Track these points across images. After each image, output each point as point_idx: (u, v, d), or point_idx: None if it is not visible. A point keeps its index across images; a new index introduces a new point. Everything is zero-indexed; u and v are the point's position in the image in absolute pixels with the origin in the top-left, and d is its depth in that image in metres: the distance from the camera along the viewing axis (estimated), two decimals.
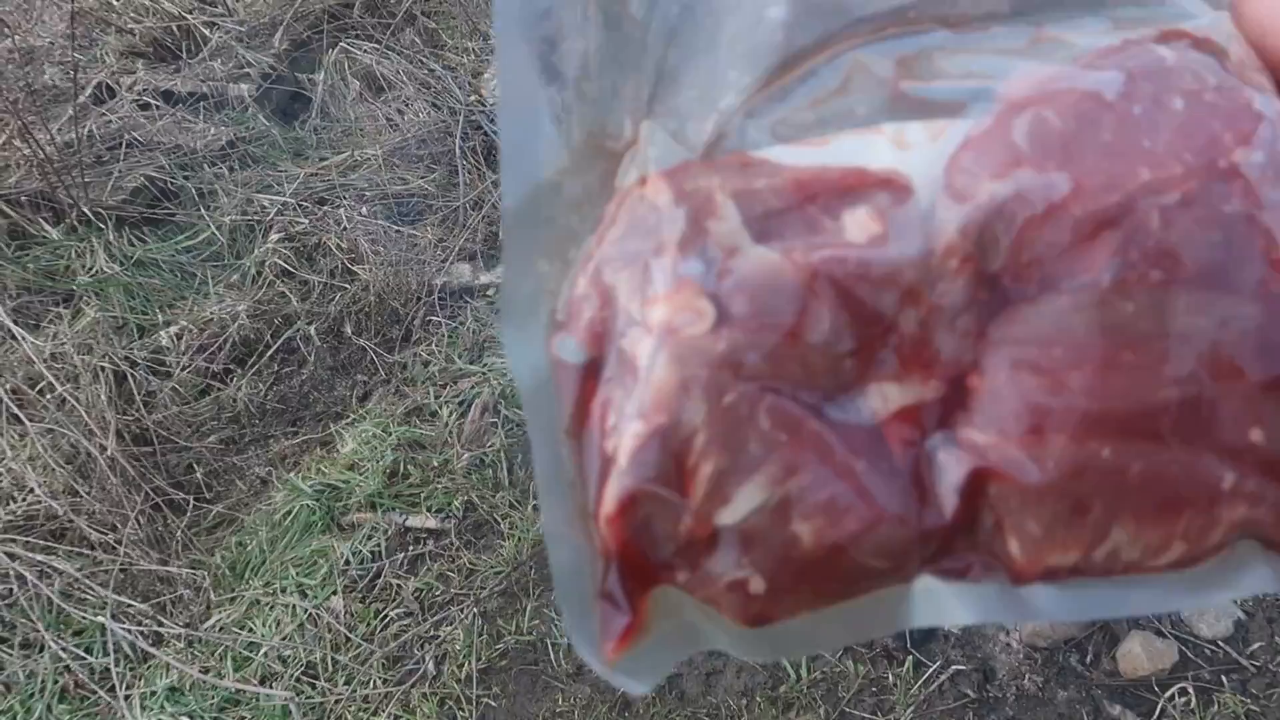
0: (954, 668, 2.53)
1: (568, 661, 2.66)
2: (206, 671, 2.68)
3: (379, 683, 2.65)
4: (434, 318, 3.66)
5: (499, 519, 3.02)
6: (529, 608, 2.79)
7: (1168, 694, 2.42)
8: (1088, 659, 2.53)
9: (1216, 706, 2.39)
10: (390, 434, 3.24)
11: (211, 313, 3.61)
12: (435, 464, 3.17)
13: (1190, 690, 2.42)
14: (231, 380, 3.48)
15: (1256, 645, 2.50)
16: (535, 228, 0.61)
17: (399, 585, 2.88)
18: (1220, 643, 2.51)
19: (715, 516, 0.50)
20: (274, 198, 4.07)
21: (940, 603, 0.54)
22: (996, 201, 0.53)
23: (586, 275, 0.56)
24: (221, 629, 2.79)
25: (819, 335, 0.52)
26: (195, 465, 3.22)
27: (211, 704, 2.61)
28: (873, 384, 0.53)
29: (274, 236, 3.87)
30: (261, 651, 2.71)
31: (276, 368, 3.55)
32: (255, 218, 4.01)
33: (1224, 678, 2.44)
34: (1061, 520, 0.51)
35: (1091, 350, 0.51)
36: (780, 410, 0.51)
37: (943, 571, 0.54)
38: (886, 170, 0.54)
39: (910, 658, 2.56)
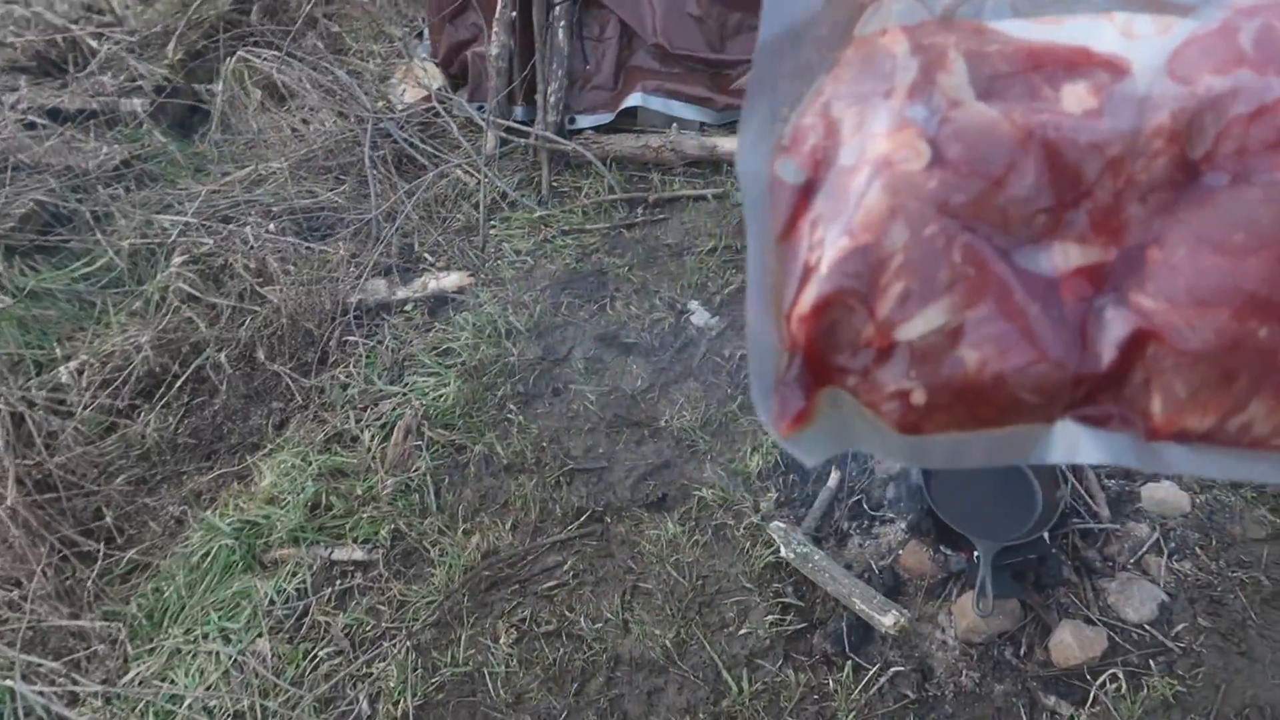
0: (893, 669, 2.54)
1: (506, 691, 2.61)
2: None
3: None
4: (350, 338, 3.55)
5: (428, 546, 2.94)
6: (464, 637, 2.72)
7: (1099, 681, 2.47)
8: (1021, 651, 2.56)
9: (1145, 690, 2.44)
10: (310, 464, 3.13)
11: (114, 344, 3.45)
12: (359, 492, 3.07)
13: (1120, 675, 2.47)
14: (139, 415, 3.33)
15: (1180, 626, 2.55)
16: (780, 61, 0.67)
17: (327, 623, 2.79)
18: (1147, 626, 2.56)
19: (895, 331, 0.61)
20: (175, 218, 3.90)
21: (1076, 443, 0.64)
22: (1212, 94, 0.59)
23: (815, 108, 0.67)
24: (141, 683, 2.67)
25: (1021, 189, 0.60)
26: (104, 509, 3.07)
27: None
28: (1059, 241, 0.62)
29: (177, 259, 3.71)
30: (185, 704, 2.60)
31: (186, 399, 3.40)
32: (156, 240, 3.83)
33: (1151, 661, 2.50)
34: (1207, 386, 0.59)
35: (1271, 240, 0.57)
36: (972, 249, 0.60)
37: (1083, 417, 0.64)
38: (1111, 54, 0.62)
39: (850, 662, 2.56)
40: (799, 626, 2.66)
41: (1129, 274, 0.61)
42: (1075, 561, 2.69)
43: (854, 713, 2.48)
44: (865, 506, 2.88)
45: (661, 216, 3.97)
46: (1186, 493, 2.80)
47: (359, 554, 2.94)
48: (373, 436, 3.22)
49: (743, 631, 2.67)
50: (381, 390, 3.38)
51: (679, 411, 3.23)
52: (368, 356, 3.49)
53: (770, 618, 2.67)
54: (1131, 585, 2.61)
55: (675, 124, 4.18)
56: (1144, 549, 2.69)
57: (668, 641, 2.66)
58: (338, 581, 2.90)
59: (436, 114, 4.34)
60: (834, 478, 2.92)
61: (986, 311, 0.61)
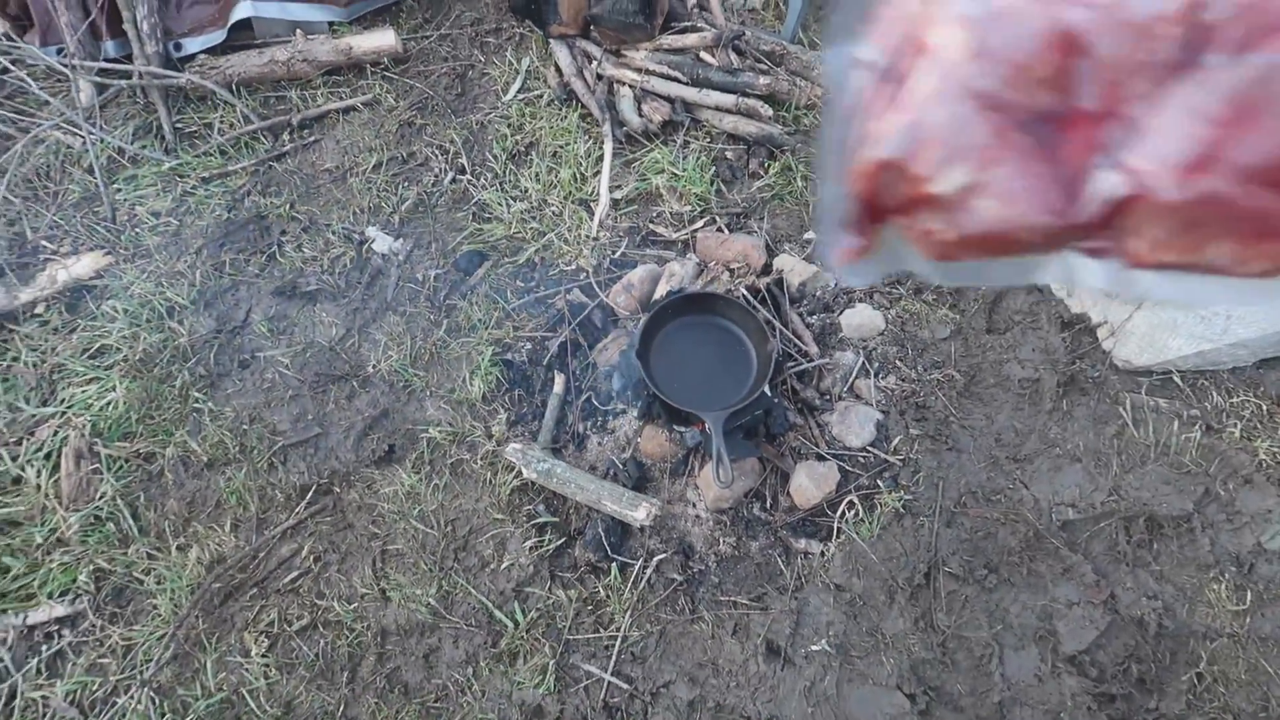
0: (656, 558, 2.57)
1: (272, 704, 2.41)
2: None
3: None
4: None
5: (141, 576, 2.61)
6: (209, 663, 2.47)
7: (839, 513, 2.62)
8: (768, 505, 2.66)
9: (879, 509, 2.62)
10: None
11: None
12: (39, 540, 2.66)
13: (856, 501, 2.63)
14: None
15: (897, 439, 2.74)
16: None
17: (45, 698, 2.43)
18: (869, 448, 2.73)
19: (932, 186, 0.80)
20: None
21: (1074, 269, 0.83)
22: None
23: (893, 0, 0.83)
24: None
25: (1044, 73, 0.74)
26: None
27: None
28: (1069, 114, 0.75)
29: None
30: None
31: None
32: None
33: (879, 480, 2.67)
34: (1183, 230, 0.74)
35: (1261, 114, 0.68)
36: (996, 123, 0.77)
37: (1083, 249, 0.81)
38: None
39: (614, 564, 2.56)
40: (558, 543, 2.62)
41: (1125, 141, 0.74)
42: (797, 404, 2.80)
43: (629, 611, 2.50)
44: (595, 403, 2.84)
45: (312, 139, 3.58)
46: (879, 311, 2.96)
47: (60, 609, 2.57)
48: (38, 472, 2.78)
49: (505, 565, 2.60)
50: (34, 414, 2.90)
51: (384, 353, 3.00)
52: (3, 379, 2.97)
53: (529, 543, 2.61)
54: (849, 413, 2.76)
55: (299, 29, 3.73)
56: (853, 375, 2.84)
57: (431, 598, 2.55)
58: (43, 647, 2.53)
59: (3, 69, 3.62)
60: (559, 382, 2.84)
61: (1002, 172, 0.77)
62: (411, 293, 3.15)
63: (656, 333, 2.78)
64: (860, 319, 2.92)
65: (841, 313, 2.95)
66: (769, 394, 2.67)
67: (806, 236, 3.18)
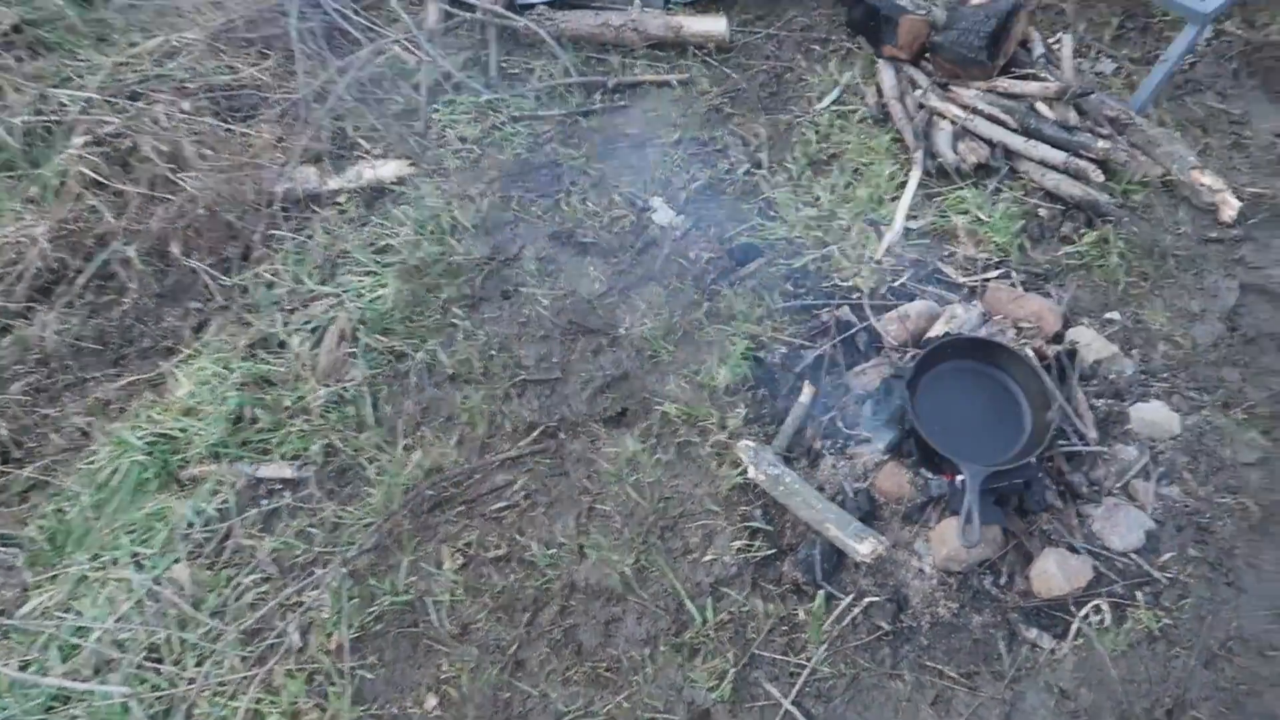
0: (867, 599, 2.38)
1: (451, 621, 2.40)
2: (26, 667, 2.31)
3: (236, 662, 2.33)
4: (277, 231, 3.20)
5: (365, 463, 2.69)
6: (404, 563, 2.50)
7: (1082, 613, 2.33)
8: (1001, 581, 2.41)
9: (1130, 622, 2.31)
10: (232, 371, 2.83)
11: (5, 235, 3.06)
12: (287, 404, 2.79)
13: (1104, 607, 2.34)
14: (35, 316, 2.97)
15: (1167, 555, 2.42)
16: None
17: (253, 547, 2.54)
18: (1132, 555, 2.42)
19: None
20: (75, 93, 3.47)
21: None
22: None
23: None
24: (42, 614, 2.41)
25: None
26: None
27: (36, 704, 2.25)
28: None
29: (78, 140, 3.30)
30: (93, 637, 2.35)
31: (91, 298, 3.05)
32: (54, 118, 3.41)
33: (1137, 592, 2.37)
34: None
35: None
36: None
37: None
38: None
39: (821, 592, 2.39)
40: (768, 553, 2.48)
41: None
42: (1060, 486, 2.53)
43: (825, 644, 2.32)
44: (840, 425, 2.68)
45: (622, 104, 3.63)
46: (1176, 414, 2.64)
47: (288, 471, 2.68)
48: (302, 342, 2.92)
49: (707, 558, 2.48)
50: (312, 290, 3.07)
51: (640, 319, 2.97)
52: (296, 253, 3.16)
53: (737, 543, 2.49)
54: (1118, 512, 2.46)
55: (639, 0, 3.80)
56: (1131, 473, 2.54)
57: (627, 568, 2.47)
58: (264, 502, 2.64)
59: None
60: (806, 393, 2.71)
61: None
62: (680, 268, 3.11)
63: (929, 369, 2.59)
64: (1154, 416, 2.61)
65: (1133, 404, 2.65)
66: (1035, 465, 2.42)
67: (1109, 316, 2.89)
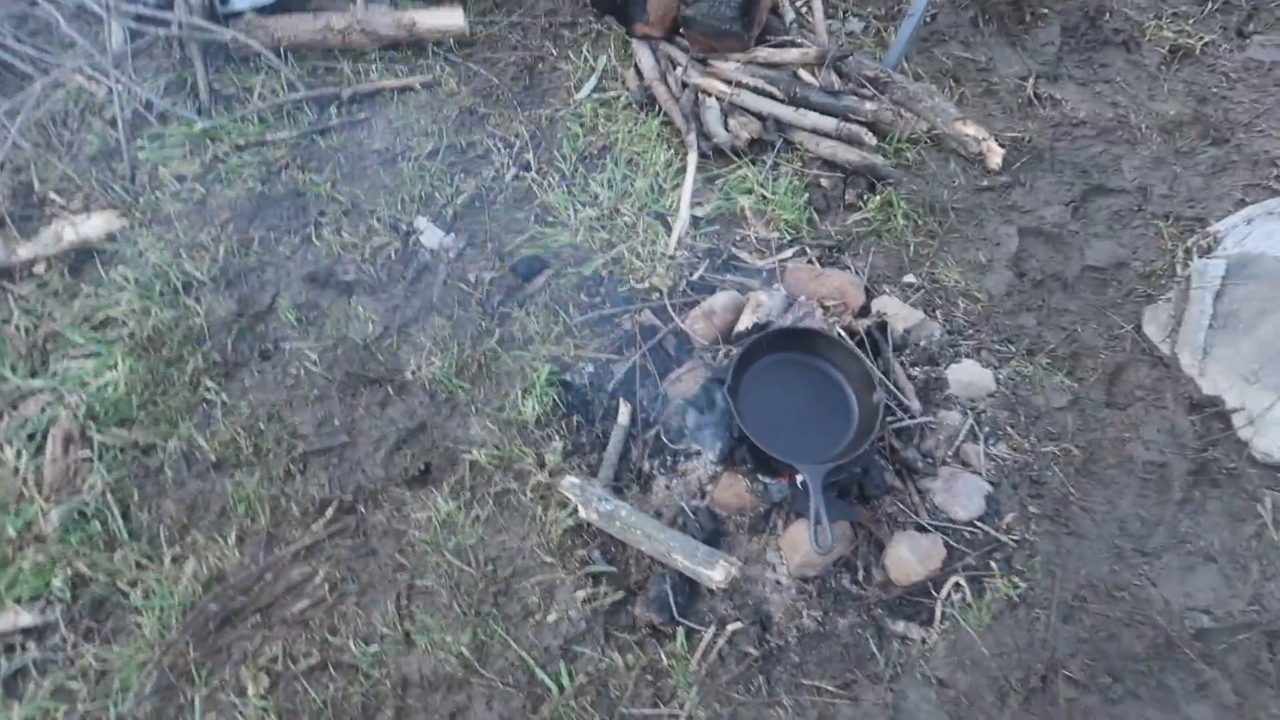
0: (729, 627, 2.21)
1: None
2: None
3: None
4: None
5: (125, 588, 2.23)
6: (198, 700, 2.09)
7: (943, 594, 2.28)
8: (860, 576, 2.32)
9: (989, 594, 2.28)
10: None
11: None
12: (12, 533, 2.27)
13: (962, 583, 2.29)
14: None
15: (1010, 516, 2.41)
16: None
17: None
18: (977, 523, 2.39)
19: None
20: None
21: None
22: None
23: None
24: None
25: None
26: None
27: None
28: None
29: None
30: None
31: None
32: None
33: (990, 561, 2.34)
34: None
35: None
36: None
37: None
38: None
39: (680, 630, 2.20)
40: (616, 598, 2.26)
41: None
42: (895, 465, 2.47)
43: (696, 686, 2.14)
44: (665, 439, 2.49)
45: (362, 116, 3.25)
46: (988, 370, 2.64)
47: (27, 618, 2.18)
48: (19, 453, 2.40)
49: (552, 618, 2.23)
50: (19, 387, 2.53)
51: (426, 358, 2.65)
52: None
53: (581, 594, 2.25)
54: (956, 481, 2.43)
55: None
56: (961, 437, 2.51)
57: (464, 648, 2.18)
58: (3, 661, 2.14)
59: (33, 1, 3.27)
60: (623, 412, 2.50)
61: None
62: (461, 295, 2.80)
63: (747, 367, 2.45)
64: (969, 376, 2.60)
65: (948, 367, 2.63)
66: (869, 450, 2.34)
67: (907, 280, 2.87)
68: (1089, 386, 2.65)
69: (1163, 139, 3.24)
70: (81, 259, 2.80)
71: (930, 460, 2.48)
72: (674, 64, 3.35)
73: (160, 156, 3.04)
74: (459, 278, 2.84)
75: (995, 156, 3.08)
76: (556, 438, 2.51)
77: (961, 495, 2.40)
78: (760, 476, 2.37)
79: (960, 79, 3.40)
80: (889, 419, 2.50)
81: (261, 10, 3.36)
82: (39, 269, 2.76)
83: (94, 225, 2.83)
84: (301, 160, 3.10)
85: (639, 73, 3.35)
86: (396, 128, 3.21)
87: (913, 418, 2.52)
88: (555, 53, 3.48)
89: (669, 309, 2.74)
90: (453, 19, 3.40)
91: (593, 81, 3.38)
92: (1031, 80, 3.37)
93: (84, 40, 3.16)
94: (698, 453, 2.46)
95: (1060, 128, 3.28)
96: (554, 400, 2.57)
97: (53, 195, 2.91)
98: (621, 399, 2.55)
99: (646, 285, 2.82)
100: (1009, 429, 2.56)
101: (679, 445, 2.48)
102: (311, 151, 3.13)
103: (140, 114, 3.12)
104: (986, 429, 2.54)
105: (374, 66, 3.37)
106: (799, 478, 2.25)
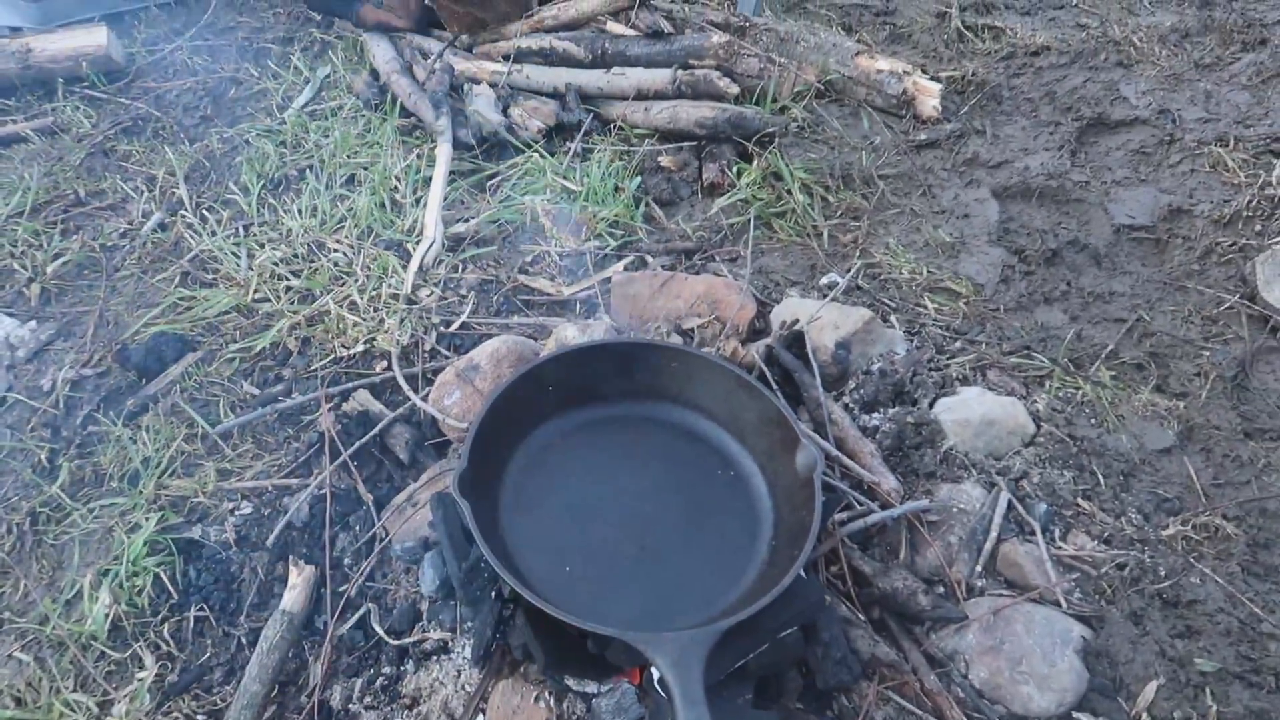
0: None
1: None
2: None
3: None
4: None
5: None
6: None
7: None
8: None
9: None
10: None
11: None
12: None
13: None
14: None
15: (1152, 689, 1.08)
16: None
17: None
18: (1077, 717, 1.05)
19: None
20: None
21: None
22: None
23: None
24: None
25: None
26: None
27: None
28: None
29: None
30: None
31: None
32: None
33: None
34: None
35: None
36: None
37: None
38: None
39: None
40: None
41: None
42: (872, 609, 1.14)
43: None
44: (377, 628, 1.15)
45: None
46: (1013, 398, 1.38)
47: None
48: None
49: None
50: None
51: None
52: None
53: None
54: (1008, 625, 1.10)
55: None
56: (992, 531, 1.20)
57: None
58: None
59: None
60: (298, 581, 1.17)
61: None
62: (21, 414, 1.49)
63: (518, 444, 1.15)
64: (981, 410, 1.32)
65: (935, 402, 1.36)
66: (811, 582, 1.03)
67: (827, 280, 1.64)
68: (1203, 404, 1.40)
69: (1171, 53, 2.17)
70: None
71: (939, 585, 1.16)
72: (425, 56, 2.22)
73: None
74: (26, 387, 1.54)
75: (928, 96, 1.95)
76: (148, 657, 1.15)
77: (1028, 654, 1.08)
78: (570, 681, 1.02)
79: (852, 27, 2.32)
80: (840, 514, 1.20)
81: None
82: None
83: None
84: None
85: (374, 72, 2.21)
86: None
87: (884, 507, 1.22)
88: (257, 73, 2.33)
89: (400, 381, 1.44)
90: (89, 39, 2.24)
91: (307, 94, 2.22)
92: (956, 12, 2.31)
93: None
94: (444, 648, 1.12)
95: (1014, 59, 2.20)
96: (158, 582, 1.22)
97: None
98: (295, 559, 1.21)
99: (360, 351, 1.54)
100: (1081, 502, 1.26)
101: (406, 639, 1.14)
102: None
103: None
104: (1042, 508, 1.24)
105: None
106: (650, 671, 0.92)
